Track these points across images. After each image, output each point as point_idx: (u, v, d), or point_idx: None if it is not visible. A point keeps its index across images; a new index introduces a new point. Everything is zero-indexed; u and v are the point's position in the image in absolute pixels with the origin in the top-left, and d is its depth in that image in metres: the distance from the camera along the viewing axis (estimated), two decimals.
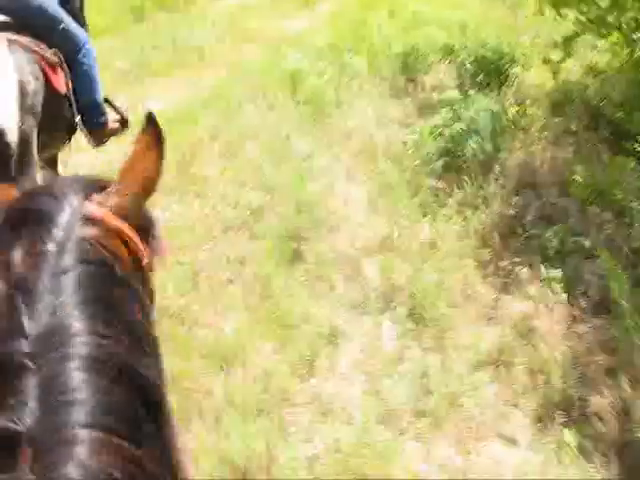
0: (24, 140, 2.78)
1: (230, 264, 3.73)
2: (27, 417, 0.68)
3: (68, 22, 3.35)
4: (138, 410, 0.78)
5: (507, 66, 5.81)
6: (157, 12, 9.64)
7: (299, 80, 6.28)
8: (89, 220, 0.89)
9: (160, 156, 1.04)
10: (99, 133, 3.65)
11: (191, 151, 4.84)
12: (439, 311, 3.39)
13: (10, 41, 2.82)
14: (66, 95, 3.21)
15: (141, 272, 0.97)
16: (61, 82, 3.14)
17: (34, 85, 2.83)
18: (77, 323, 0.78)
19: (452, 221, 4.03)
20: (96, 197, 0.93)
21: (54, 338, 0.76)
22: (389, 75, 6.81)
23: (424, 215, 4.10)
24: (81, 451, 0.68)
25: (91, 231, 0.87)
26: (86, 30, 3.67)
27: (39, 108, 2.87)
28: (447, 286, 3.57)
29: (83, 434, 0.69)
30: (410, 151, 4.70)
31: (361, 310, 3.46)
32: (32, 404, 0.69)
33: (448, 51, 6.33)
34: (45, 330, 0.76)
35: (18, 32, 2.94)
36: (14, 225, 0.88)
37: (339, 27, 8.63)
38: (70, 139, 3.57)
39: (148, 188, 1.01)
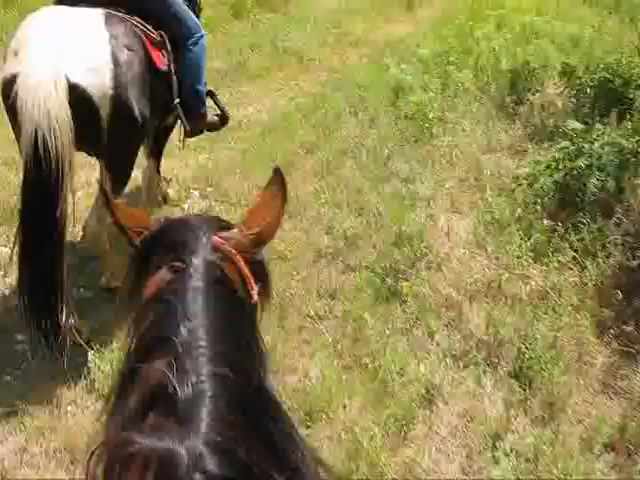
0: (118, 107, 2.76)
1: (321, 298, 3.45)
2: (186, 388, 0.87)
3: (182, 10, 3.42)
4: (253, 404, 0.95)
5: (632, 92, 5.30)
6: (257, 10, 9.47)
7: (402, 93, 5.96)
8: (216, 250, 1.09)
9: (281, 207, 1.22)
10: (196, 121, 3.66)
11: (285, 166, 4.58)
12: (550, 375, 3.01)
13: (108, 14, 2.88)
14: (166, 74, 3.22)
15: (250, 304, 1.13)
16: (162, 60, 3.16)
17: (129, 57, 2.84)
18: (207, 331, 0.97)
19: (567, 269, 3.62)
20: (223, 233, 1.14)
21: (193, 341, 0.95)
22: (497, 93, 6.40)
23: (535, 260, 3.71)
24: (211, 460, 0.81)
25: (219, 260, 1.08)
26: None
27: (136, 80, 2.87)
28: (560, 346, 3.18)
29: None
30: (522, 184, 4.29)
31: (462, 364, 3.12)
32: (192, 378, 0.89)
33: (566, 73, 5.80)
34: (179, 339, 0.94)
35: (128, 10, 3.03)
36: (158, 249, 1.12)
37: (443, 36, 8.23)
38: (165, 120, 3.58)
39: (267, 233, 1.19)
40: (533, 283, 3.54)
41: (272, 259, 3.55)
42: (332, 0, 11.37)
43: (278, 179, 1.23)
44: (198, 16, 3.78)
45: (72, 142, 2.62)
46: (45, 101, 2.52)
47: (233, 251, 1.10)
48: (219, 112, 3.96)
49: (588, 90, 5.43)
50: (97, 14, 2.87)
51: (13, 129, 2.77)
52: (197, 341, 0.95)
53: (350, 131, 5.28)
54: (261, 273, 1.18)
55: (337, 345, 3.14)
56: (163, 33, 3.22)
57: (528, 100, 6.15)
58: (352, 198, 4.32)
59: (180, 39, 3.36)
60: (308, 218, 4.10)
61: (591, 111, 5.16)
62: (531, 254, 3.71)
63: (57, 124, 2.53)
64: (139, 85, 2.91)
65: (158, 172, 4.10)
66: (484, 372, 3.09)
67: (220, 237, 1.11)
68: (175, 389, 0.86)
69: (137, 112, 2.92)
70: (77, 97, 2.62)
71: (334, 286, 3.55)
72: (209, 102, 3.83)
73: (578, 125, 4.54)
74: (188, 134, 3.74)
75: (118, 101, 2.77)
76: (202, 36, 3.53)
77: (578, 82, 5.63)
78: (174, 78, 3.29)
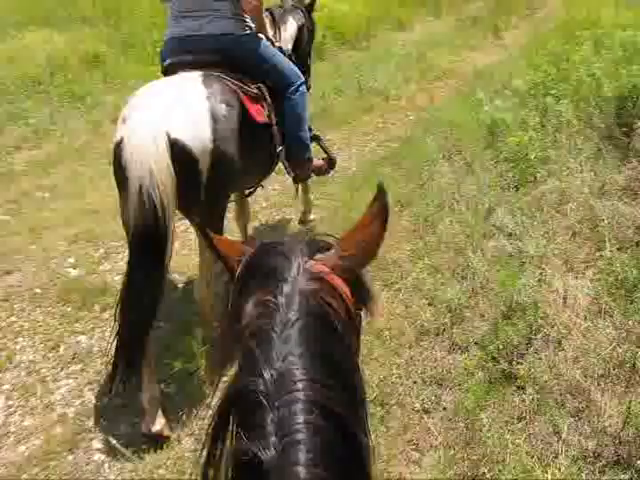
0: (216, 164, 2.81)
1: (427, 386, 3.08)
2: (269, 449, 0.83)
3: (280, 61, 3.47)
4: (348, 457, 0.90)
5: None
6: (338, 48, 9.27)
7: (499, 132, 5.54)
8: (313, 276, 1.03)
9: (383, 226, 1.14)
10: (302, 168, 3.76)
11: None
12: None
13: (206, 75, 2.98)
14: (266, 125, 3.27)
15: (352, 326, 1.09)
16: (260, 113, 3.22)
17: (226, 112, 2.90)
18: (301, 370, 0.91)
19: None
20: (320, 256, 1.08)
21: (283, 382, 0.89)
22: (602, 123, 5.87)
23: None
24: None
25: (314, 286, 1.01)
26: (308, 74, 4.06)
27: (235, 134, 2.93)
28: None
29: (304, 473, 0.82)
30: None
31: (597, 468, 2.66)
32: (272, 439, 0.84)
33: None
34: (276, 374, 0.90)
35: (225, 69, 3.12)
36: (250, 278, 1.07)
37: (536, 64, 7.73)
38: (271, 170, 3.63)
39: (368, 253, 1.14)
40: None
41: (369, 340, 3.23)
42: (415, 32, 11.11)
43: (381, 196, 1.16)
44: (308, 67, 4.09)
45: (174, 195, 2.68)
46: (147, 157, 2.61)
47: (331, 274, 1.05)
48: (325, 156, 4.04)
49: None
50: (195, 76, 2.98)
51: (120, 196, 2.80)
52: (287, 386, 0.90)
53: (445, 179, 4.91)
54: (363, 292, 1.14)
55: (448, 449, 2.75)
56: (262, 86, 3.29)
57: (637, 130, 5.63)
58: (453, 260, 3.94)
59: (280, 89, 3.43)
60: (407, 287, 3.75)
61: None
62: None
63: (160, 179, 2.61)
64: (237, 138, 2.94)
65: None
66: (623, 475, 2.63)
67: (317, 260, 1.07)
68: (258, 455, 0.83)
69: (236, 164, 2.96)
70: (178, 152, 2.69)
71: (441, 370, 3.17)
72: (316, 146, 3.90)
73: None
74: (295, 180, 3.90)
75: (217, 154, 2.81)
76: (302, 83, 3.55)
77: None
78: (275, 128, 3.34)
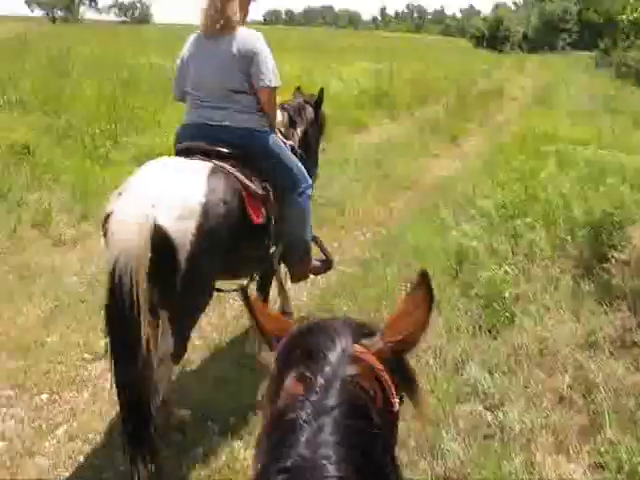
0: (195, 258, 2.73)
1: None
2: None
3: (290, 161, 3.45)
4: None
5: None
6: None
7: (466, 261, 4.97)
8: (355, 361, 1.01)
9: (428, 313, 1.15)
10: (300, 267, 3.78)
11: None
12: None
13: (214, 167, 2.96)
14: (264, 226, 3.21)
15: (391, 415, 1.05)
16: (259, 213, 3.15)
17: (222, 210, 2.85)
18: (331, 466, 0.87)
19: None
20: (364, 341, 1.06)
21: (309, 473, 0.87)
22: (576, 252, 5.38)
23: None
24: None
25: (355, 371, 1.00)
26: (315, 166, 4.15)
27: (223, 232, 2.86)
28: None
29: None
30: None
31: None
32: None
33: None
34: (302, 462, 0.87)
35: (237, 162, 3.11)
36: (291, 354, 1.06)
37: (500, 179, 7.33)
38: (261, 268, 3.59)
39: (411, 340, 1.12)
40: None
41: None
42: (371, 134, 10.76)
43: (423, 282, 1.16)
44: (315, 164, 4.15)
45: (144, 279, 2.61)
46: (127, 235, 2.58)
47: (373, 360, 1.04)
48: (322, 257, 4.03)
49: None
50: (204, 166, 2.95)
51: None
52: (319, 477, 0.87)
53: None
54: (405, 381, 1.12)
55: None
56: (268, 185, 3.24)
57: (614, 259, 5.15)
58: (420, 433, 3.21)
59: (286, 188, 3.40)
60: None
61: None
62: None
63: (135, 260, 2.57)
64: (226, 237, 2.88)
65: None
66: None
67: (360, 345, 1.05)
68: None
69: (217, 261, 2.91)
70: (159, 238, 2.63)
71: None
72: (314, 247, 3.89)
73: None
74: (293, 279, 3.92)
75: (198, 251, 2.73)
76: (308, 186, 3.53)
77: None
78: (272, 228, 3.29)
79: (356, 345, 1.04)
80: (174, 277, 2.74)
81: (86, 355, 3.88)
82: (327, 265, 4.05)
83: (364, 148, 9.37)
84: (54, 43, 19.00)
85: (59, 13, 62.49)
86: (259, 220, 3.14)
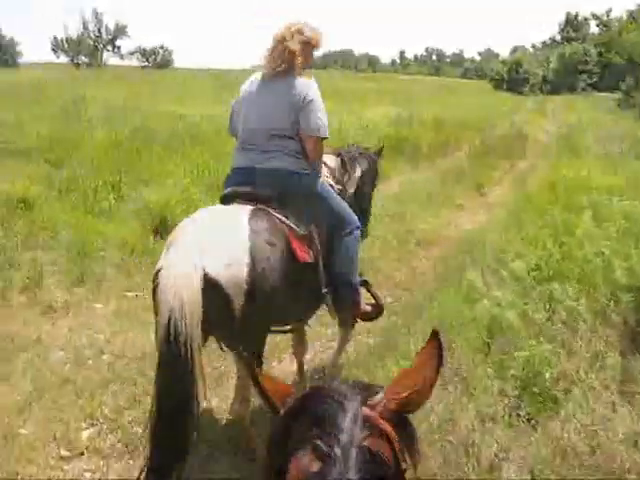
0: (251, 302, 2.78)
1: None
2: None
3: (337, 203, 3.46)
4: None
5: None
6: None
7: (498, 334, 4.41)
8: (366, 424, 0.98)
9: (436, 372, 1.11)
10: (349, 311, 3.74)
11: None
12: None
13: (255, 210, 3.00)
14: (312, 266, 3.21)
15: (400, 474, 1.02)
16: (307, 252, 3.17)
17: (269, 252, 2.89)
18: None
19: None
20: (370, 401, 1.03)
21: None
22: (619, 319, 4.81)
23: None
24: None
25: (371, 438, 0.97)
26: (367, 220, 4.16)
27: (275, 275, 2.90)
28: None
29: None
30: None
31: None
32: None
33: None
34: None
35: (281, 205, 3.15)
36: (297, 423, 1.01)
37: (528, 232, 6.76)
38: (315, 311, 3.64)
39: (417, 398, 1.08)
40: None
41: None
42: (392, 184, 10.27)
43: (435, 342, 1.13)
44: (367, 217, 4.14)
45: (198, 327, 2.63)
46: (180, 289, 2.60)
47: (382, 421, 1.02)
48: (373, 302, 3.92)
49: None
50: (245, 210, 2.99)
51: (155, 318, 2.79)
52: None
53: (433, 402, 3.68)
54: (407, 438, 1.07)
55: None
56: (313, 227, 3.25)
57: None
58: None
59: (334, 230, 3.42)
60: None
61: None
62: None
63: (188, 311, 2.60)
64: (278, 278, 2.92)
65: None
66: None
67: (369, 406, 1.03)
68: None
69: (273, 304, 2.92)
70: (211, 289, 2.67)
71: None
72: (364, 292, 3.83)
73: None
74: (341, 324, 3.99)
75: (253, 294, 2.79)
76: (357, 227, 3.51)
77: None
78: (321, 270, 3.29)
79: (366, 408, 1.02)
80: (232, 322, 2.80)
81: (63, 452, 3.38)
82: (378, 310, 3.93)
83: (384, 199, 8.89)
84: (70, 89, 18.98)
85: (83, 59, 63.53)
86: (305, 258, 3.15)
